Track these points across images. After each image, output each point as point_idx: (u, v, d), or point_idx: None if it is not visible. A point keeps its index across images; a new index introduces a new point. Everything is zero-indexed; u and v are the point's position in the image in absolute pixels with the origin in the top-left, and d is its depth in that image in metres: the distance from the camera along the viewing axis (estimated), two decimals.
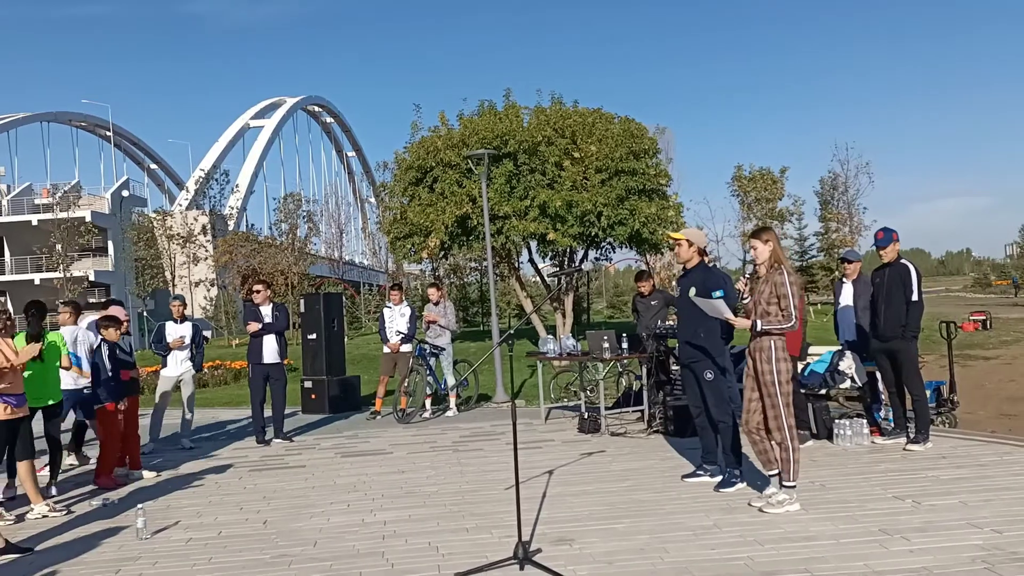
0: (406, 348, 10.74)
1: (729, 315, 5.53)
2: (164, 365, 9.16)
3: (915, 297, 7.01)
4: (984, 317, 24.52)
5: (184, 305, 9.18)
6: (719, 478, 6.09)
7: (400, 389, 10.47)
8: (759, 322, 5.33)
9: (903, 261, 7.20)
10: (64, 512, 6.20)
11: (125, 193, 54.49)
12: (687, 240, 6.20)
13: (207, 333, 43.88)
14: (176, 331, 9.04)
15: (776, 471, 5.38)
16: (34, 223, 48.57)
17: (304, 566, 4.67)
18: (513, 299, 32.86)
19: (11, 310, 6.35)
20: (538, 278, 21.98)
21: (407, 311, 10.92)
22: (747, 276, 5.67)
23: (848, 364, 7.72)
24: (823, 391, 7.83)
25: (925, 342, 7.34)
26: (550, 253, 18.27)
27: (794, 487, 5.32)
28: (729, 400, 6.16)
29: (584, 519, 5.36)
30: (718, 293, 5.87)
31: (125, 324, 7.96)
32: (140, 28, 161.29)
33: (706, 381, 6.09)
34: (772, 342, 5.34)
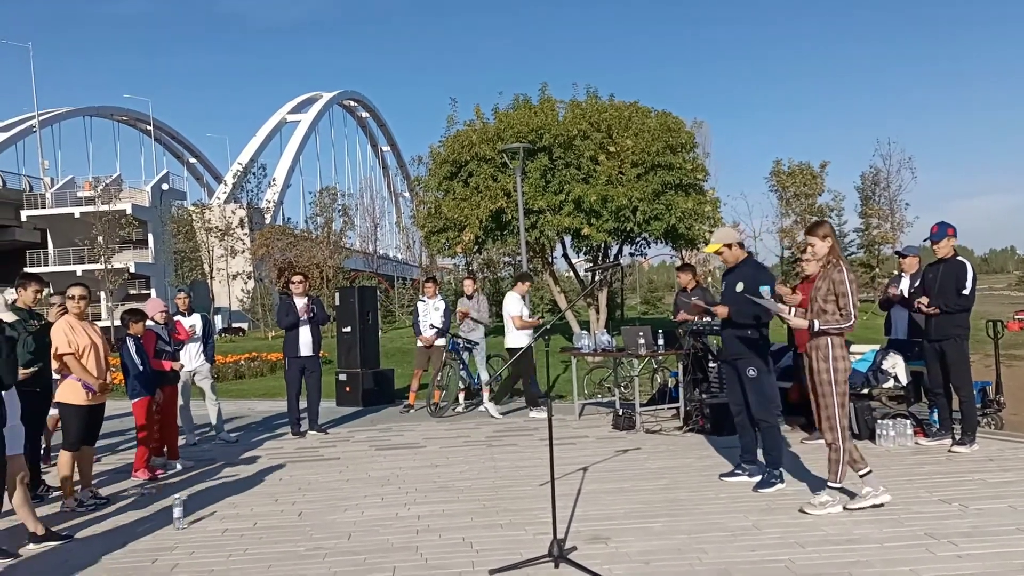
0: (440, 342, 10.73)
1: (784, 313, 5.41)
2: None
3: (967, 291, 6.77)
4: None
5: (189, 297, 9.02)
6: (758, 478, 5.97)
7: (433, 383, 10.47)
8: (816, 322, 5.19)
9: (959, 258, 6.93)
10: (105, 501, 6.29)
11: (165, 186, 55.51)
12: (724, 245, 6.07)
13: (243, 325, 44.59)
14: (184, 323, 8.94)
15: (866, 470, 5.22)
16: (76, 215, 49.74)
17: (338, 559, 4.67)
18: (546, 294, 32.77)
19: (88, 294, 6.40)
20: (571, 273, 21.87)
21: (441, 305, 10.91)
22: (788, 282, 5.58)
23: (892, 363, 7.54)
24: (865, 390, 7.65)
25: (970, 342, 7.12)
26: (584, 248, 18.17)
27: (839, 489, 5.19)
28: (772, 399, 6.03)
29: (620, 517, 5.28)
30: (766, 289, 5.76)
31: (164, 315, 8.03)
32: (181, 25, 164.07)
33: (749, 378, 5.95)
34: (829, 340, 5.20)
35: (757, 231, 35.36)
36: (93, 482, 6.72)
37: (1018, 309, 25.80)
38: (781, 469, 5.93)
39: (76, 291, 6.22)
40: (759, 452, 6.07)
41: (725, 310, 5.92)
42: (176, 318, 8.65)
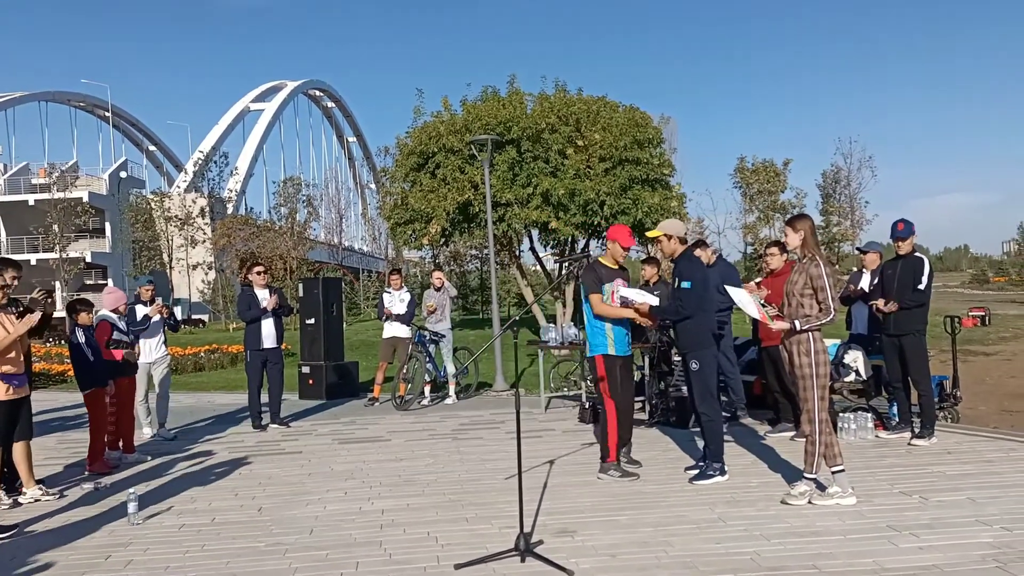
0: (405, 334, 10.63)
1: (757, 313, 5.41)
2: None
3: (922, 285, 6.88)
4: (983, 313, 24.43)
5: (154, 287, 8.78)
6: (696, 471, 6.04)
7: (399, 375, 10.37)
8: (798, 323, 5.20)
9: (917, 255, 7.07)
10: (56, 496, 6.10)
11: (123, 174, 54.25)
12: (665, 235, 6.08)
13: (203, 316, 43.87)
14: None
15: (840, 468, 5.23)
16: (31, 203, 48.36)
17: (300, 555, 4.57)
18: (513, 287, 32.75)
19: (10, 282, 6.09)
20: (538, 266, 21.86)
21: (407, 296, 10.82)
22: (758, 281, 5.61)
23: (854, 357, 7.62)
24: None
25: (927, 337, 7.24)
26: (551, 242, 18.15)
27: (814, 479, 5.24)
28: (713, 393, 6.05)
29: (586, 510, 5.26)
30: (686, 284, 5.84)
31: (123, 306, 7.84)
32: (141, 7, 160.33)
33: (692, 371, 5.99)
34: (811, 333, 5.22)
35: (721, 227, 35.73)
36: (43, 477, 6.53)
37: (973, 306, 26.43)
38: (722, 462, 5.96)
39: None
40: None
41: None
42: (138, 307, 8.38)
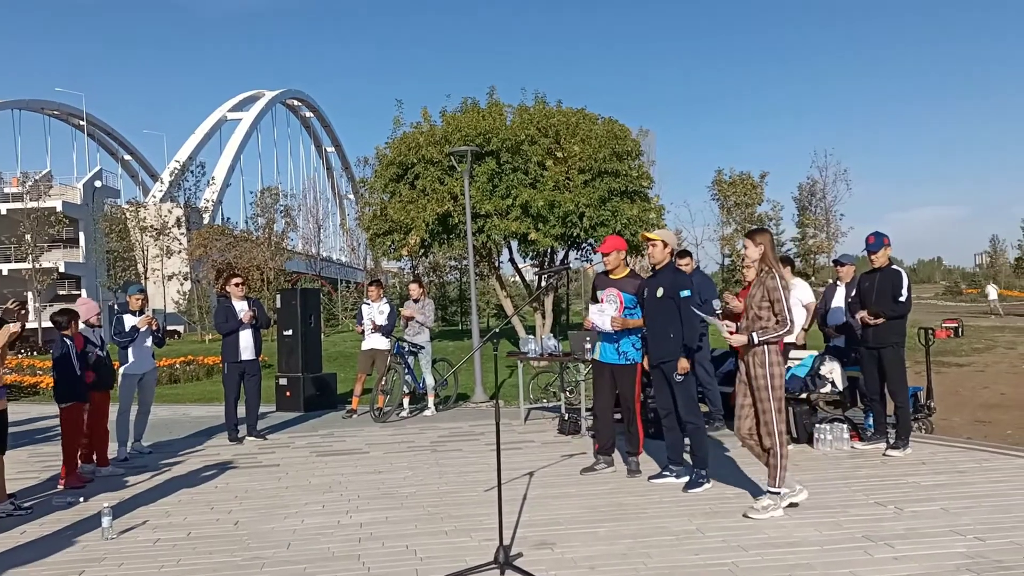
0: (384, 345, 10.59)
1: (725, 332, 5.49)
2: (125, 361, 8.28)
3: (903, 297, 6.97)
4: (956, 324, 24.72)
5: (144, 298, 8.48)
6: (686, 479, 6.07)
7: (377, 387, 10.32)
8: (755, 335, 5.25)
9: (894, 267, 7.14)
10: (29, 511, 6.00)
11: (98, 183, 53.68)
12: (663, 241, 6.20)
13: (179, 327, 43.39)
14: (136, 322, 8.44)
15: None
16: (3, 212, 47.63)
17: (277, 569, 4.52)
18: (492, 299, 32.75)
19: None
20: (518, 278, 21.89)
21: (386, 308, 10.77)
22: (729, 288, 5.69)
23: (829, 368, 7.70)
24: (804, 395, 7.80)
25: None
26: (531, 253, 18.21)
27: (779, 493, 5.26)
28: (699, 401, 6.16)
29: (565, 522, 5.26)
30: (685, 293, 5.99)
31: (96, 318, 7.70)
32: (117, 15, 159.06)
33: (676, 382, 6.06)
34: (766, 346, 5.27)
35: (699, 239, 36.03)
36: (15, 491, 6.41)
37: (946, 317, 26.79)
38: (708, 469, 6.04)
39: None
40: (686, 453, 6.18)
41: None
42: (126, 317, 8.20)
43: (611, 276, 6.60)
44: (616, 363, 6.55)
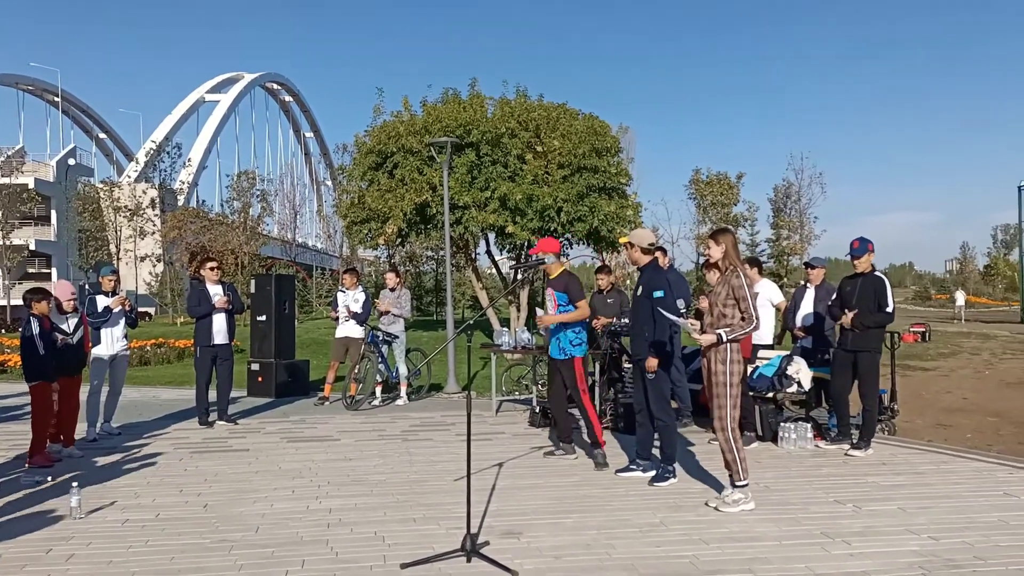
0: (358, 334, 10.60)
1: (693, 331, 5.60)
2: (97, 342, 8.21)
3: (890, 308, 7.04)
4: (923, 329, 25.19)
5: (116, 278, 8.38)
6: (652, 472, 6.20)
7: (350, 375, 10.33)
8: (723, 333, 5.35)
9: (877, 273, 7.17)
10: None
11: (72, 161, 52.83)
12: (628, 242, 6.30)
13: (150, 309, 42.91)
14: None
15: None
16: None
17: (245, 552, 4.56)
18: (468, 290, 32.77)
19: None
20: (494, 270, 21.94)
21: (361, 296, 10.78)
22: (705, 287, 5.81)
23: (796, 369, 7.85)
24: (770, 394, 7.95)
25: None
26: (508, 246, 18.27)
27: (746, 485, 5.39)
28: (671, 399, 6.27)
29: (532, 513, 5.34)
30: (658, 293, 6.10)
31: (72, 302, 7.54)
32: None
33: (649, 379, 6.17)
34: (728, 344, 5.38)
35: (675, 237, 36.33)
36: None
37: (914, 322, 27.25)
38: (675, 466, 6.17)
39: None
40: (655, 449, 6.30)
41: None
42: (99, 298, 8.12)
43: (550, 277, 6.97)
44: (557, 358, 6.93)
